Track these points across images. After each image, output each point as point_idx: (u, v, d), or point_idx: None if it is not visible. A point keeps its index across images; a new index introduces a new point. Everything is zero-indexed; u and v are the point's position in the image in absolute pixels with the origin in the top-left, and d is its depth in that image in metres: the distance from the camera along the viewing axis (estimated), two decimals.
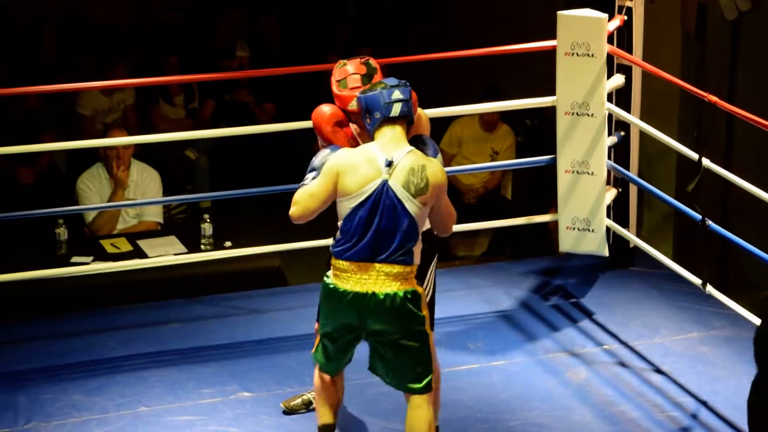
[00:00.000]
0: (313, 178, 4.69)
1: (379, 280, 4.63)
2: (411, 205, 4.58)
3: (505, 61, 7.51)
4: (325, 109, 4.93)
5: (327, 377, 4.88)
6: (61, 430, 5.43)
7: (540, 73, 6.90)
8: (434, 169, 4.61)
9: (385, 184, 4.57)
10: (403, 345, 4.69)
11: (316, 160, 4.74)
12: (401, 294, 4.63)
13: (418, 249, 4.68)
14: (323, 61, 8.23)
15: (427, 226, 4.94)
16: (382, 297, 4.62)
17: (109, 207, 7.44)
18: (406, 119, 4.65)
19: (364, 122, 4.69)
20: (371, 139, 4.68)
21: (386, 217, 4.59)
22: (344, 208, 4.63)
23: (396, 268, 4.62)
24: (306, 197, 4.66)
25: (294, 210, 4.69)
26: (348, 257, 4.64)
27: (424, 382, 4.73)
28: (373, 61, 4.93)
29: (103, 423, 5.49)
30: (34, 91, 7.81)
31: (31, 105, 8.60)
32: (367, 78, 4.85)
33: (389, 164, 4.57)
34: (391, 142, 4.61)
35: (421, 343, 4.70)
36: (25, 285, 6.39)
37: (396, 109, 4.59)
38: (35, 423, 5.49)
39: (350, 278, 4.64)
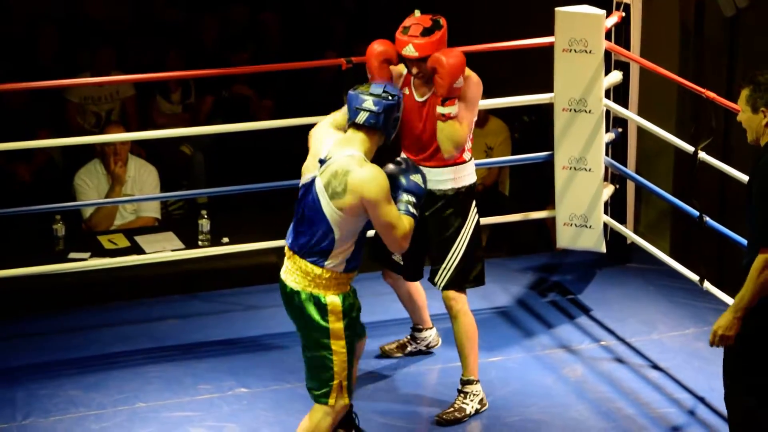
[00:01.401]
0: None
1: (292, 273, 4.63)
2: (327, 208, 4.52)
3: (503, 58, 7.50)
4: (377, 45, 5.28)
5: None
6: (58, 426, 5.43)
7: (538, 70, 6.90)
8: (361, 178, 4.48)
9: (314, 179, 4.58)
10: (304, 346, 4.70)
11: None
12: (304, 296, 4.60)
13: (338, 256, 4.58)
14: (321, 58, 8.23)
15: (472, 180, 5.44)
16: (288, 290, 4.64)
17: (106, 203, 7.43)
18: (372, 130, 4.58)
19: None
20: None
21: (307, 213, 4.58)
22: None
23: (308, 267, 4.58)
24: None
25: None
26: (287, 241, 4.69)
27: (318, 393, 4.69)
28: (442, 20, 5.19)
29: (100, 419, 5.49)
30: (30, 86, 7.79)
31: (19, 102, 8.56)
32: (427, 31, 5.16)
33: (322, 162, 4.57)
34: (344, 141, 4.59)
35: (320, 354, 4.64)
36: (22, 281, 6.38)
37: (360, 117, 4.56)
38: (33, 419, 5.49)
39: (284, 263, 4.70)
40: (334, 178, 4.50)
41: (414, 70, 5.26)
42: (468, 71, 5.28)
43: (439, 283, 5.44)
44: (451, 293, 5.44)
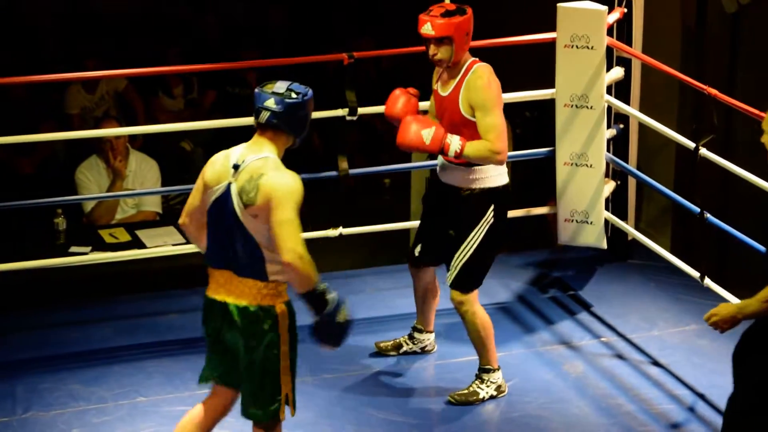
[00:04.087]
0: None
1: (233, 291, 4.35)
2: (243, 217, 4.28)
3: (506, 52, 7.49)
4: (398, 98, 5.41)
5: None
6: (58, 420, 5.44)
7: (540, 65, 6.90)
8: (275, 179, 4.24)
9: (229, 187, 4.32)
10: (248, 365, 4.37)
11: None
12: (252, 309, 4.32)
13: (273, 267, 4.31)
14: (326, 53, 8.22)
15: (495, 183, 5.29)
16: (232, 308, 4.35)
17: (107, 197, 7.43)
18: (277, 130, 4.34)
19: None
20: None
21: (227, 226, 4.32)
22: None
23: (248, 282, 4.32)
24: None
25: None
26: (208, 262, 4.45)
27: (270, 409, 4.39)
28: (468, 9, 5.23)
29: (101, 413, 5.49)
30: (33, 80, 7.79)
31: (20, 94, 8.58)
32: (449, 13, 5.19)
33: (236, 167, 4.31)
34: (254, 145, 4.36)
35: (271, 369, 4.36)
36: (23, 274, 6.37)
37: (262, 117, 4.31)
38: (33, 412, 5.49)
39: (211, 284, 4.44)
40: (248, 183, 4.25)
41: (431, 51, 5.26)
42: (480, 73, 5.27)
43: (447, 281, 5.44)
44: (456, 294, 5.42)
